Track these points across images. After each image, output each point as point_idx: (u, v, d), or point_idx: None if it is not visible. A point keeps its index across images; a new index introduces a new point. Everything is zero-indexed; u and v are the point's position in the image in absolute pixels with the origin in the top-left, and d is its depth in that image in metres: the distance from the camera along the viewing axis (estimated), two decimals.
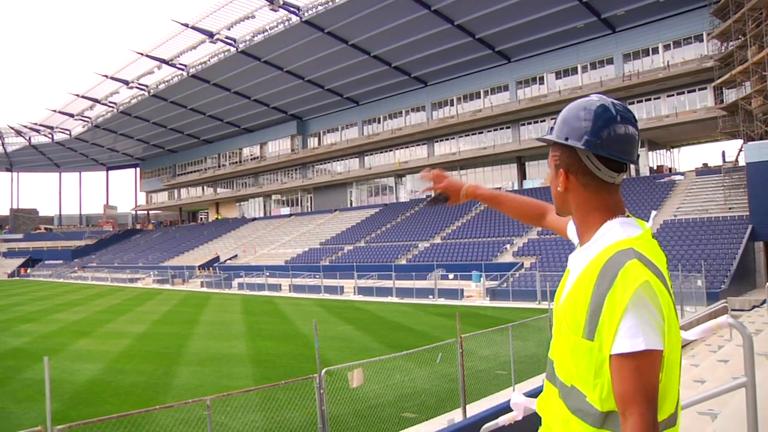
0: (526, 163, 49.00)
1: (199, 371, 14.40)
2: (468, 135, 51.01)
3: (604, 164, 1.58)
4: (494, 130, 48.89)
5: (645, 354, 1.36)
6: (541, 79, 45.53)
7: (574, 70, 43.64)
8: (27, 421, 10.37)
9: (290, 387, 10.91)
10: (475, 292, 31.52)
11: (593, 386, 1.45)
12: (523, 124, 46.83)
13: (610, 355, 1.40)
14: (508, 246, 36.94)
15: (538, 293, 27.65)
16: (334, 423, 9.36)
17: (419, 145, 55.42)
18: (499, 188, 48.13)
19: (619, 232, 1.54)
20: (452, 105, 51.66)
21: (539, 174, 47.57)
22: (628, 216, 1.62)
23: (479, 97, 49.50)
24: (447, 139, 52.83)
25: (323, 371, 7.28)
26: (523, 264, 33.33)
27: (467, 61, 47.44)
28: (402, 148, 56.91)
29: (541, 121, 45.47)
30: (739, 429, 2.73)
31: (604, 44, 41.82)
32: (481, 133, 49.90)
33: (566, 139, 1.60)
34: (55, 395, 12.28)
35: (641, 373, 1.36)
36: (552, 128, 1.68)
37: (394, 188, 59.94)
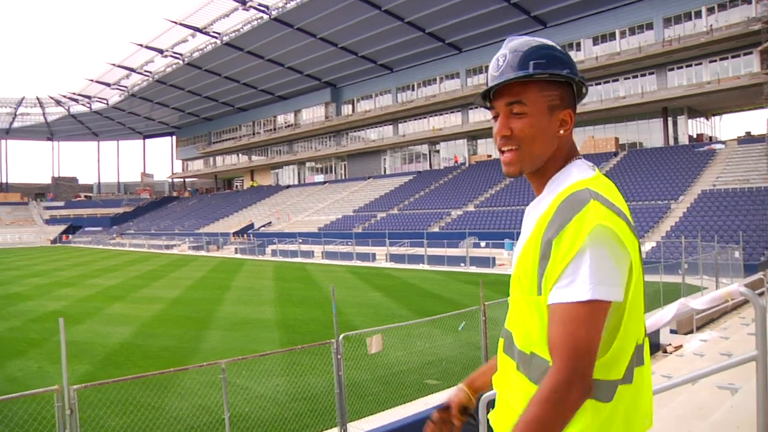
0: None
1: (228, 336, 14.57)
2: None
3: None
4: None
5: (590, 305, 1.24)
6: (578, 45, 44.48)
7: (612, 36, 42.47)
8: (60, 380, 10.57)
9: (314, 352, 10.97)
10: (506, 261, 31.27)
11: None
12: None
13: (548, 304, 1.31)
14: None
15: None
16: (355, 388, 9.39)
17: (453, 112, 54.86)
18: None
19: (574, 174, 1.45)
20: (487, 71, 50.63)
21: (576, 141, 46.67)
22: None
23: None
24: (482, 107, 52.06)
25: (341, 337, 7.27)
26: None
27: (501, 27, 46.45)
28: (436, 115, 56.39)
29: None
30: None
31: (643, 8, 40.53)
32: None
33: (573, 72, 1.49)
34: (87, 357, 12.62)
35: (578, 324, 1.24)
36: (536, 64, 1.48)
37: (428, 156, 59.55)
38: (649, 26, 40.41)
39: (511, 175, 1.56)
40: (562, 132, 1.50)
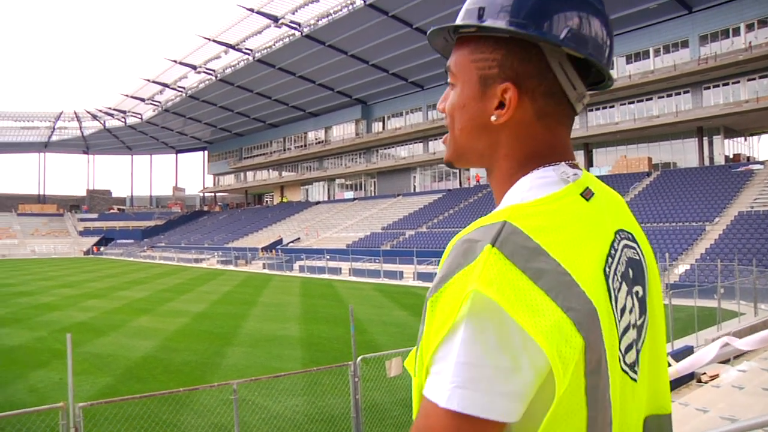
0: (594, 150, 47.56)
1: (250, 352, 14.42)
2: None
3: (580, 76, 1.00)
4: (589, 111, 47.30)
5: (447, 417, 0.79)
6: (612, 64, 43.85)
7: (646, 54, 41.84)
8: (82, 393, 10.57)
9: (334, 372, 10.75)
10: None
11: None
12: (591, 110, 45.31)
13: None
14: None
15: None
16: (375, 410, 9.15)
17: None
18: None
19: (517, 191, 0.97)
20: None
21: (607, 161, 46.10)
22: (573, 162, 1.02)
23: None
24: None
25: (359, 359, 7.06)
26: None
27: None
28: None
29: (610, 107, 43.90)
30: None
31: (679, 25, 39.85)
32: None
33: (526, 27, 0.94)
34: (110, 369, 12.58)
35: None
36: (467, 12, 1.02)
37: (457, 174, 59.21)
38: (685, 44, 39.76)
39: (445, 163, 1.13)
40: (494, 118, 0.99)
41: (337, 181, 74.25)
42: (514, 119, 0.98)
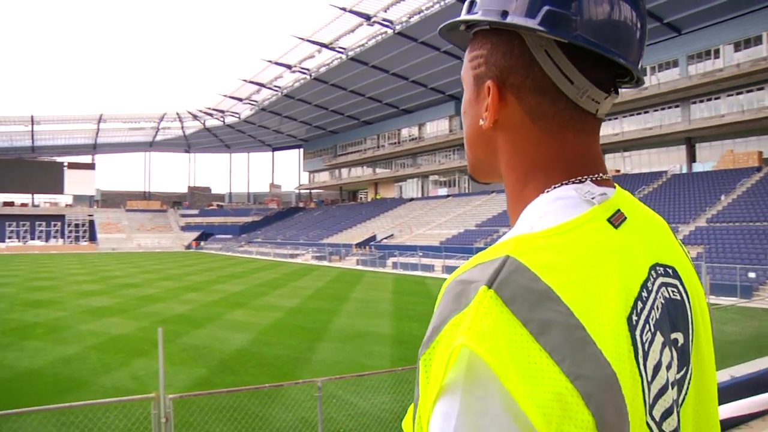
0: (697, 145, 45.31)
1: (340, 348, 14.52)
2: (632, 115, 48.02)
3: (580, 68, 0.81)
4: (661, 109, 45.52)
5: None
6: (716, 51, 41.58)
7: (758, 40, 39.19)
8: (178, 382, 10.95)
9: None
10: None
11: None
12: (694, 102, 43.14)
13: None
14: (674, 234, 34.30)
15: (705, 286, 25.31)
16: None
17: None
18: (665, 171, 45.05)
19: (530, 217, 0.80)
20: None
21: (711, 156, 43.81)
22: (601, 179, 0.85)
23: (645, 74, 46.12)
24: (610, 119, 50.06)
25: None
26: (688, 254, 30.77)
27: None
28: None
29: (716, 98, 41.57)
30: None
31: None
32: (647, 112, 46.67)
33: (503, 14, 0.83)
34: (205, 361, 12.96)
35: None
36: (473, 1, 0.90)
37: None
38: None
39: (470, 177, 1.00)
40: (480, 122, 0.88)
41: (431, 177, 74.13)
42: (504, 122, 0.85)
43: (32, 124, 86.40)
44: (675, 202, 37.70)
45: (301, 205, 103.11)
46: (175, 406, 6.19)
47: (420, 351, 0.70)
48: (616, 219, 0.79)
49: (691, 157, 45.23)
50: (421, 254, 44.53)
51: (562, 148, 0.84)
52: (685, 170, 44.60)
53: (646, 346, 0.70)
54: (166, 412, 5.47)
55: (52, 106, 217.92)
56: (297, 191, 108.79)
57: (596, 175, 0.84)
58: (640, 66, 0.85)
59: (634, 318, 0.70)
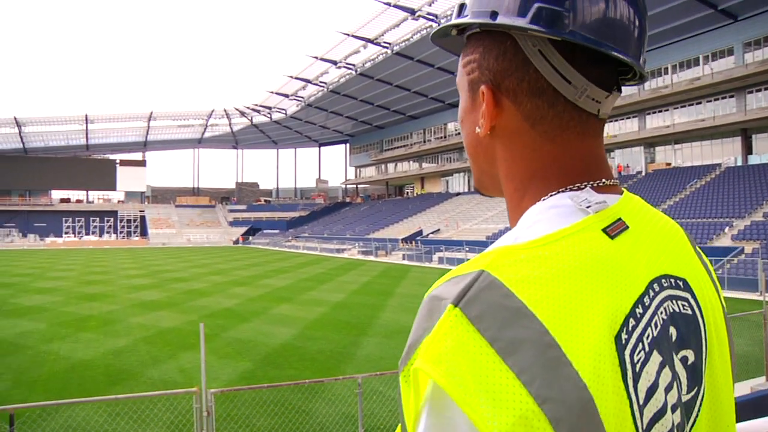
0: (753, 136, 43.81)
1: (384, 343, 14.52)
2: (684, 106, 46.75)
3: (577, 67, 0.76)
4: (715, 99, 44.15)
5: None
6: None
7: None
8: (223, 376, 11.12)
9: None
10: None
11: None
12: (751, 92, 41.70)
13: None
14: (726, 228, 33.39)
15: (760, 283, 24.47)
16: None
17: (629, 118, 51.85)
18: (719, 164, 43.73)
19: (515, 230, 0.75)
20: (665, 74, 47.53)
21: None
22: (605, 185, 0.80)
23: (698, 64, 44.83)
24: (659, 111, 48.92)
25: None
26: (743, 249, 29.90)
27: (684, 24, 43.04)
28: (611, 121, 53.62)
29: None
30: None
31: None
32: (699, 103, 45.28)
33: (493, 15, 0.78)
34: (250, 355, 13.10)
35: None
36: (463, 5, 0.84)
37: None
38: None
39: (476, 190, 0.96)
40: (477, 130, 0.83)
41: None
42: (501, 128, 0.81)
43: (86, 123, 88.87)
44: (729, 195, 36.62)
45: (347, 200, 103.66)
46: (219, 400, 6.28)
47: (399, 366, 0.67)
48: (614, 229, 0.73)
49: (747, 149, 43.82)
50: (467, 249, 44.26)
51: (563, 153, 0.79)
52: (740, 163, 43.24)
53: (638, 366, 0.64)
54: (207, 407, 5.54)
55: (105, 105, 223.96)
56: (343, 186, 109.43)
57: (599, 181, 0.79)
58: (642, 61, 0.80)
59: (624, 336, 0.64)
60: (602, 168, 0.81)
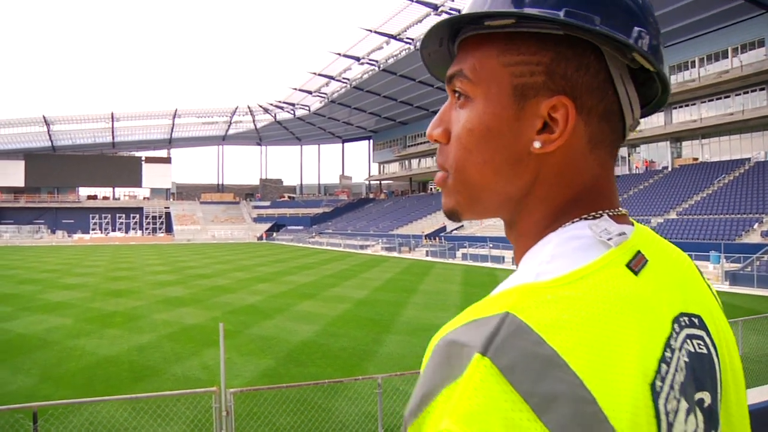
0: None
1: (407, 341, 14.46)
2: (711, 100, 45.96)
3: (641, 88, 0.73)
4: (744, 92, 43.34)
5: None
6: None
7: None
8: (246, 373, 11.14)
9: None
10: (712, 275, 28.49)
11: None
12: None
13: None
14: (756, 225, 32.79)
15: None
16: None
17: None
18: (748, 158, 42.94)
19: (533, 264, 0.66)
20: (692, 67, 46.74)
21: None
22: (619, 213, 0.72)
23: (726, 57, 44.02)
24: (686, 105, 48.14)
25: None
26: None
27: (711, 16, 42.19)
28: None
29: None
30: None
31: None
32: (728, 96, 44.43)
33: (589, 18, 0.66)
34: (272, 352, 13.12)
35: None
36: None
37: (626, 159, 56.24)
38: None
39: (447, 214, 0.80)
40: (537, 145, 0.69)
41: None
42: (565, 147, 0.70)
43: (112, 121, 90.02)
44: (759, 191, 35.95)
45: (371, 196, 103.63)
46: (240, 398, 6.28)
47: (407, 418, 0.59)
48: (637, 263, 0.66)
49: None
50: (491, 245, 44.00)
51: (605, 179, 0.73)
52: None
53: (671, 416, 0.57)
54: (227, 406, 5.53)
55: (130, 104, 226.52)
56: (367, 182, 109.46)
57: (614, 210, 0.72)
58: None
59: (658, 384, 0.57)
60: (615, 195, 0.75)
